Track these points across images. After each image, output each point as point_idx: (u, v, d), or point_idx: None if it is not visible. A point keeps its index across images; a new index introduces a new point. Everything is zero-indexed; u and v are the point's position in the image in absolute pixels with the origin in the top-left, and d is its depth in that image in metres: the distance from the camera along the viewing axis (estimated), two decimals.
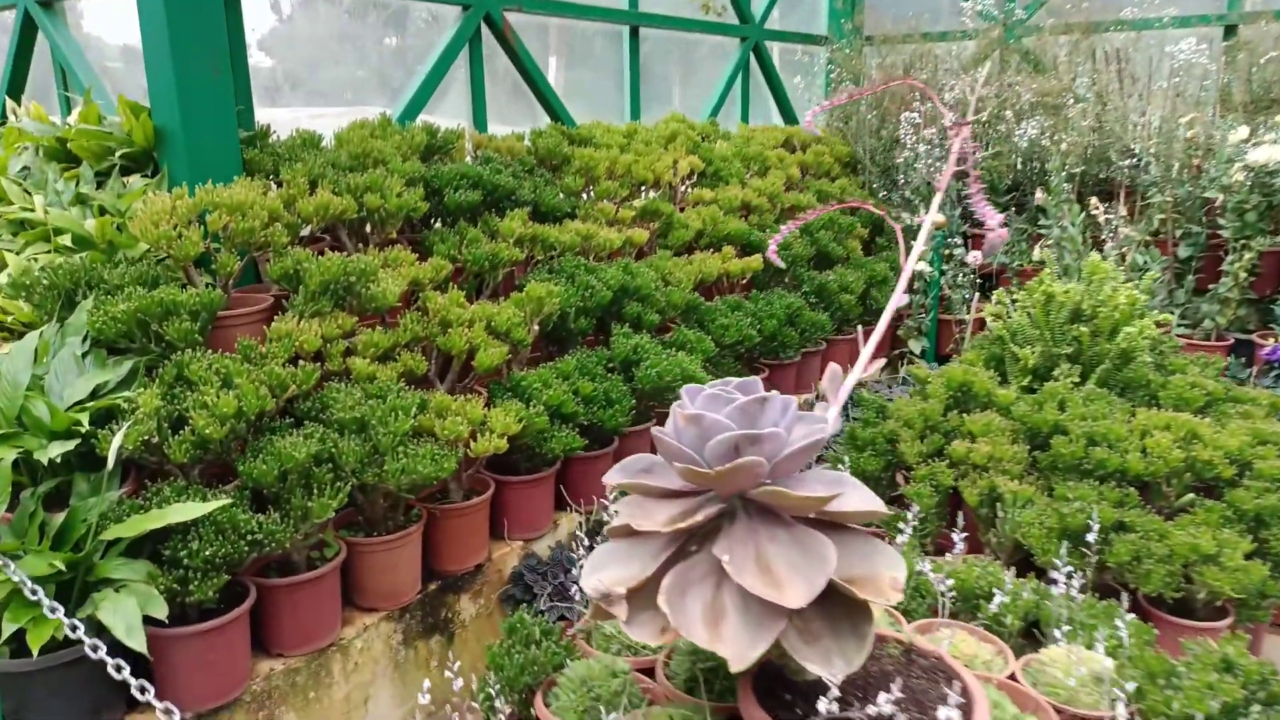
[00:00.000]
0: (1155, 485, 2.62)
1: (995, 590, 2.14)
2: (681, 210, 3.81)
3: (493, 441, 2.31)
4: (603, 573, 1.58)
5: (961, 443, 2.84)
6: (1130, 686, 1.77)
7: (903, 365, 4.51)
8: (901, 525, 2.40)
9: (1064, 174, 4.35)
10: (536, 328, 2.70)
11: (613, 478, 1.64)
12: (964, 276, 4.58)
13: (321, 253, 2.40)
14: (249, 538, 1.82)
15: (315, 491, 1.95)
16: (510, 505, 2.57)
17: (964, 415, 2.99)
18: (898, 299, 1.83)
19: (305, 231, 2.58)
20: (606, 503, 2.78)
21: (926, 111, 4.62)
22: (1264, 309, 4.15)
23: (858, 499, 1.51)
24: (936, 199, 1.84)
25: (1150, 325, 2.97)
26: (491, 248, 2.79)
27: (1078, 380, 2.98)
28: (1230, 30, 4.68)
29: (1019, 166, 4.77)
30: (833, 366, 1.76)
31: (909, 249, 4.59)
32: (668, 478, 1.62)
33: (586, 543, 2.34)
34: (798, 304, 3.61)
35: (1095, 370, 2.99)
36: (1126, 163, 4.28)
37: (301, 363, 2.16)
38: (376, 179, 2.60)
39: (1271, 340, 3.89)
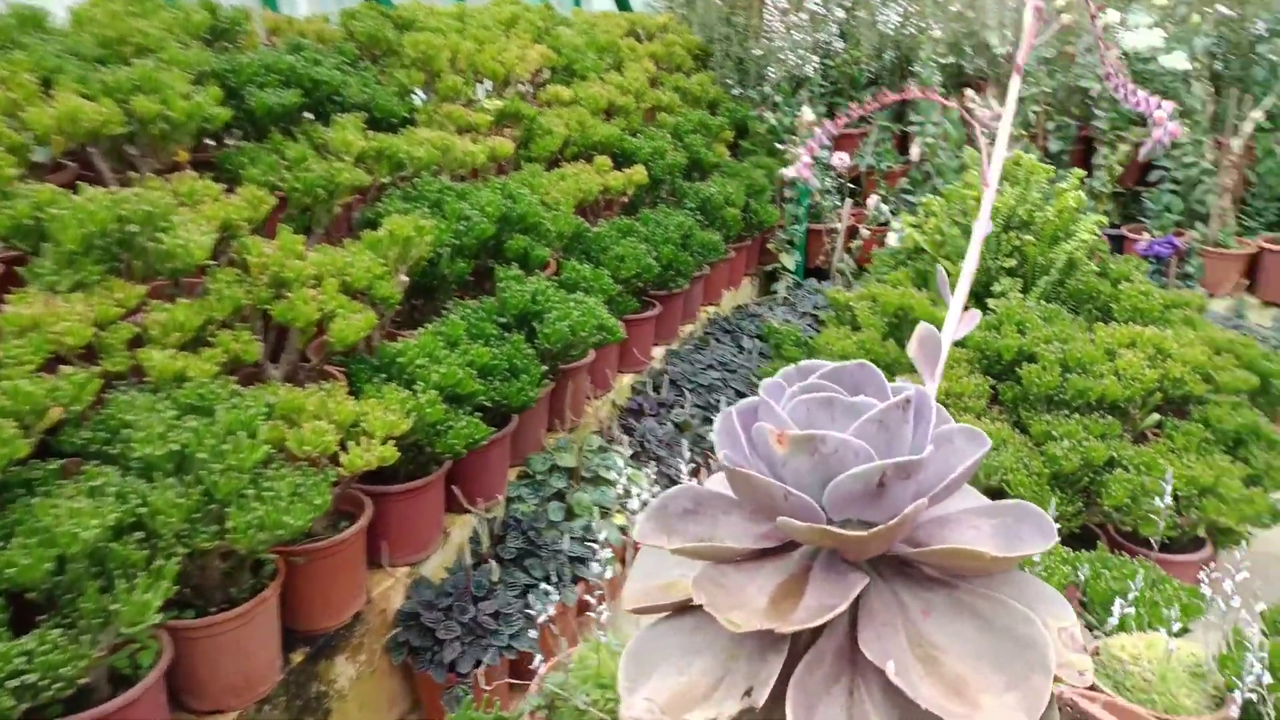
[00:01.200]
0: (1124, 409, 2.37)
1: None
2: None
3: (374, 451, 1.63)
4: (656, 683, 1.01)
5: (913, 378, 2.45)
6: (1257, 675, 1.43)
7: (777, 283, 4.11)
8: None
9: (934, 65, 4.04)
10: (405, 278, 1.98)
11: (651, 534, 1.04)
12: (832, 181, 4.21)
13: (73, 189, 1.56)
14: (5, 685, 1.08)
15: (121, 580, 1.21)
16: (391, 523, 1.90)
17: (904, 346, 2.61)
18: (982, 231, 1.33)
19: (41, 157, 1.70)
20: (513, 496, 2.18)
21: None
22: (1127, 202, 4.09)
23: (1036, 533, 1.01)
24: (1014, 83, 1.35)
25: (1093, 228, 2.69)
26: (326, 169, 2.01)
27: (1020, 295, 2.68)
28: None
29: (881, 57, 4.41)
30: (924, 327, 1.26)
31: (776, 152, 4.15)
32: (739, 525, 1.06)
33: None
34: (689, 223, 3.07)
35: (1038, 283, 2.69)
36: (1000, 51, 4.02)
37: (65, 368, 1.37)
38: (148, 74, 1.74)
39: (1145, 235, 3.82)
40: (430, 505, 1.96)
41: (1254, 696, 1.32)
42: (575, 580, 2.12)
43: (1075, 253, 2.65)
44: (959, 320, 1.35)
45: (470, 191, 2.31)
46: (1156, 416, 2.43)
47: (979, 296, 2.76)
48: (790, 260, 4.07)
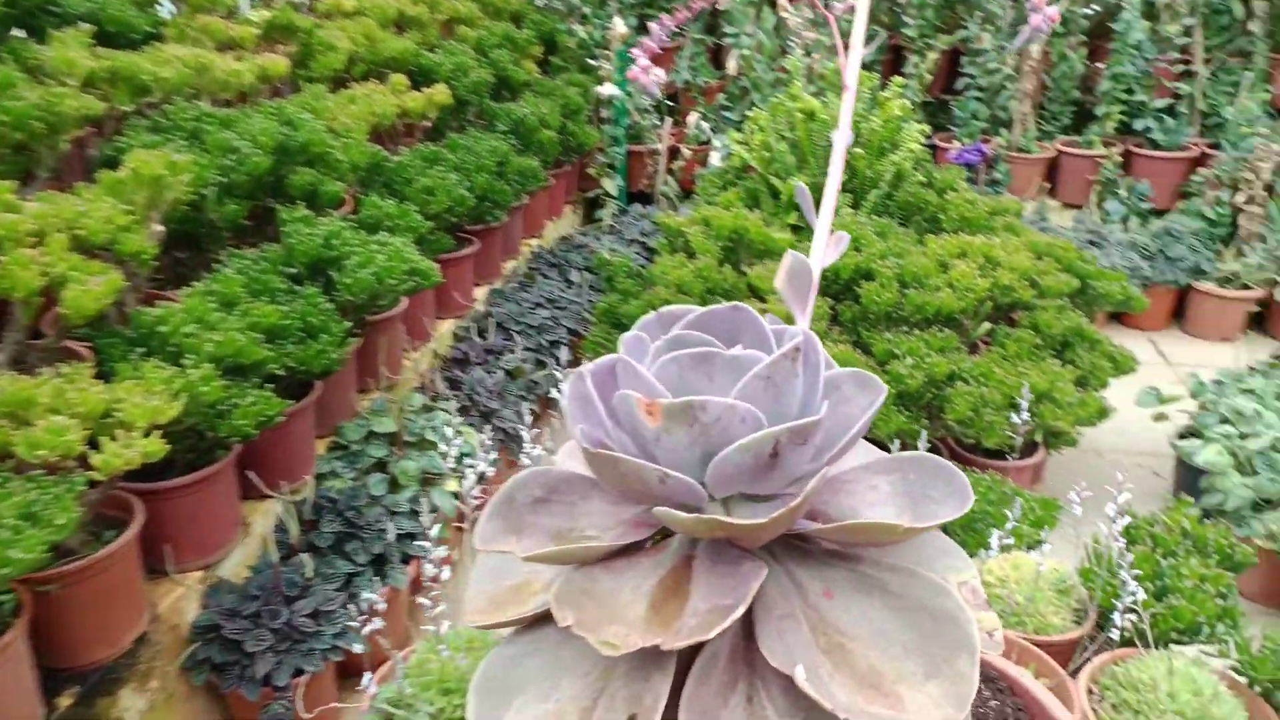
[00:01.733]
0: (958, 321, 2.36)
1: None
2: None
3: (135, 447, 1.31)
4: (520, 713, 0.81)
5: (752, 304, 2.33)
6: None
7: (601, 210, 3.90)
8: None
9: None
10: (159, 228, 1.62)
11: (496, 536, 0.83)
12: (649, 100, 4.01)
13: None
14: None
15: None
16: (173, 523, 1.58)
17: (742, 270, 2.49)
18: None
19: None
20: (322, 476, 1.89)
21: None
22: (935, 111, 4.14)
23: (947, 492, 0.87)
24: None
25: (917, 138, 2.64)
26: (43, 96, 1.60)
27: (851, 210, 2.61)
28: None
29: None
30: (793, 256, 1.08)
31: (588, 69, 3.89)
32: (603, 512, 0.87)
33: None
34: (504, 149, 2.78)
35: (868, 197, 2.63)
36: None
37: None
38: None
39: (955, 143, 3.88)
40: (221, 497, 1.65)
41: (1123, 612, 1.29)
42: (406, 560, 1.88)
43: (902, 164, 2.60)
44: (827, 244, 1.20)
45: (238, 119, 1.93)
46: (988, 325, 2.44)
47: None
48: (612, 185, 3.86)
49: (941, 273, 2.33)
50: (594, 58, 3.90)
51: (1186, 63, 3.80)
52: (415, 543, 1.88)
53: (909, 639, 0.76)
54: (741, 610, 0.72)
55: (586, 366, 0.87)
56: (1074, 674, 1.31)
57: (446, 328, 2.67)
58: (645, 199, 4.07)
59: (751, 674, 0.79)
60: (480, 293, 2.89)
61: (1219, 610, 1.32)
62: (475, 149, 2.65)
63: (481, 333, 2.67)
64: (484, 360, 2.54)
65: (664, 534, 0.86)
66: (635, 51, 1.36)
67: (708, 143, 3.97)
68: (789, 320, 0.91)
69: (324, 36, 2.55)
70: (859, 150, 2.58)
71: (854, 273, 2.34)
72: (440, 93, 2.70)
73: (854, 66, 1.28)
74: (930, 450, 2.24)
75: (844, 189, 2.64)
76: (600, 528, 0.88)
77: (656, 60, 4.05)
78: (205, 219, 1.77)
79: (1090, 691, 1.28)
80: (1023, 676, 1.00)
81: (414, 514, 1.94)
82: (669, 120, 3.97)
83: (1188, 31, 3.73)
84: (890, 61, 4.09)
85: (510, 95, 3.31)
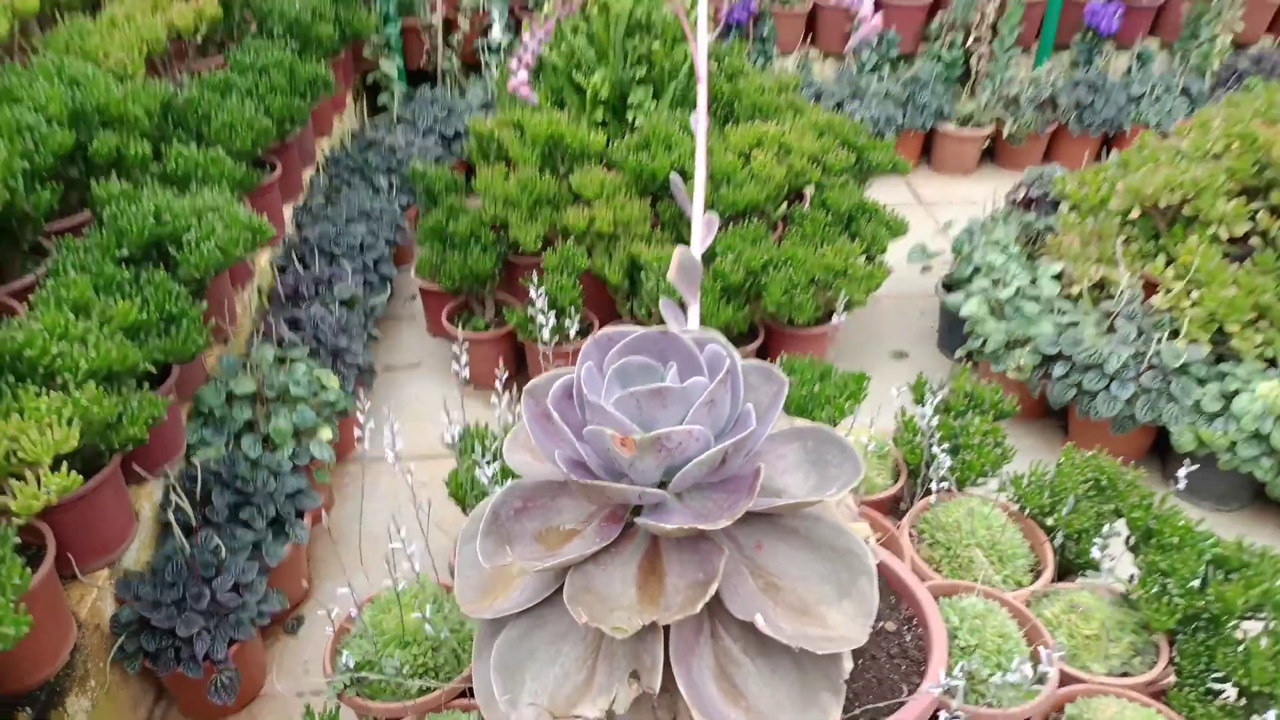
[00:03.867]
0: (761, 208, 2.61)
1: None
2: None
3: (52, 483, 1.31)
4: (533, 685, 1.02)
5: (577, 211, 2.46)
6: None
7: (383, 95, 3.74)
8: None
9: None
10: None
11: (493, 551, 1.00)
12: None
13: None
14: None
15: None
16: (74, 530, 1.58)
17: (562, 177, 2.58)
18: None
19: None
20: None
21: None
22: None
23: (842, 457, 1.12)
24: None
25: (707, 18, 2.76)
26: None
27: (654, 102, 2.73)
28: None
29: None
30: (682, 251, 1.22)
31: None
32: (575, 511, 1.05)
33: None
34: (289, 60, 2.62)
35: (667, 89, 2.76)
36: None
37: None
38: None
39: (725, 3, 4.01)
40: (113, 495, 1.65)
41: (931, 467, 1.66)
42: (300, 515, 1.96)
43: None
44: (703, 227, 1.37)
45: (15, 88, 1.74)
46: (784, 207, 2.72)
47: (617, 111, 2.77)
48: (391, 66, 3.70)
49: (744, 166, 2.56)
50: None
51: None
52: (306, 496, 1.96)
53: (823, 571, 1.03)
54: (715, 586, 0.96)
55: (549, 395, 1.03)
56: (899, 522, 1.69)
57: (264, 259, 2.60)
58: (426, 77, 3.94)
59: (713, 617, 1.04)
60: (286, 212, 2.80)
61: (997, 457, 1.73)
62: (263, 65, 2.49)
63: (303, 261, 2.61)
64: (316, 292, 2.51)
65: (629, 521, 1.06)
66: (512, 65, 1.40)
67: (482, 12, 3.85)
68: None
69: None
70: (655, 43, 2.67)
71: (668, 173, 2.50)
72: (208, 3, 2.48)
73: (703, 48, 1.40)
74: (751, 330, 2.54)
75: (643, 81, 2.75)
76: (574, 521, 1.08)
77: None
78: (19, 211, 1.63)
79: (911, 536, 1.66)
80: (897, 568, 1.32)
81: (296, 470, 2.00)
82: None
83: None
84: None
85: None
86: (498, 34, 3.79)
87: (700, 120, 1.35)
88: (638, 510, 1.01)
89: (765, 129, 2.63)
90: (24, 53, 2.03)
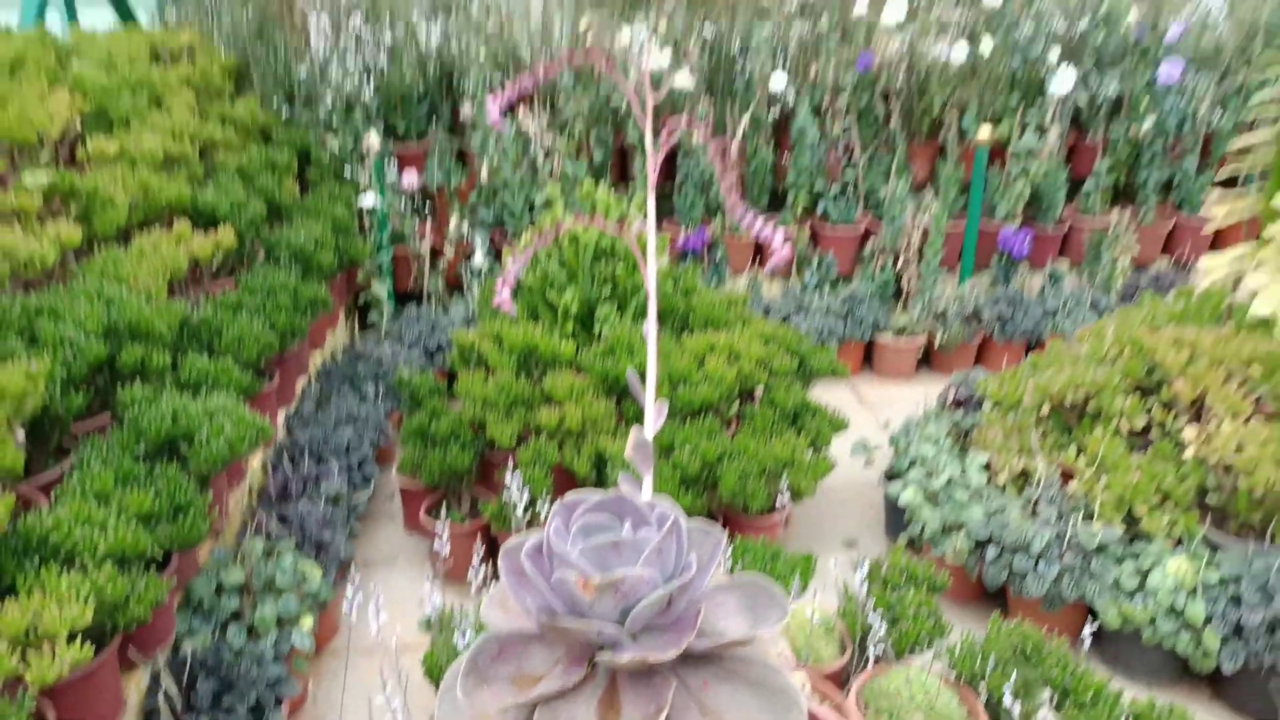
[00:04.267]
0: (715, 406, 2.88)
1: None
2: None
3: (65, 656, 1.44)
4: None
5: (549, 410, 2.71)
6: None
7: (373, 313, 4.09)
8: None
9: (484, 84, 4.26)
10: (22, 438, 1.70)
11: (473, 690, 1.15)
12: (405, 202, 4.26)
13: None
14: None
15: None
16: (69, 707, 1.67)
17: (536, 381, 2.86)
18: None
19: None
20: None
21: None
22: (658, 201, 4.75)
23: (770, 603, 1.31)
24: (650, 175, 1.60)
25: (663, 248, 3.16)
26: None
27: (619, 316, 3.07)
28: None
29: (429, 74, 4.50)
30: (635, 432, 1.45)
31: (343, 178, 4.07)
32: (545, 655, 1.21)
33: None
34: (293, 282, 2.94)
35: (630, 305, 3.10)
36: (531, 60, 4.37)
37: None
38: None
39: (682, 230, 4.50)
40: (109, 676, 1.75)
41: (873, 641, 1.82)
42: (279, 702, 2.04)
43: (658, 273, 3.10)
44: (653, 413, 1.62)
45: (58, 305, 2.00)
46: (737, 405, 2.99)
47: (585, 322, 3.10)
48: (382, 288, 4.07)
49: (698, 369, 2.85)
50: (348, 166, 4.09)
51: (849, 154, 4.70)
52: (286, 684, 2.05)
53: (760, 705, 1.19)
54: (665, 714, 1.12)
55: (522, 551, 1.22)
56: (847, 692, 1.82)
57: (256, 460, 2.79)
58: (413, 297, 4.31)
59: None
60: (280, 417, 3.02)
61: (931, 627, 1.90)
62: (270, 289, 2.80)
63: (294, 460, 2.81)
64: (304, 489, 2.69)
65: (591, 662, 1.23)
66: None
67: (466, 241, 4.29)
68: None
69: (103, 192, 2.59)
70: (619, 265, 3.05)
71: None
72: (226, 236, 2.82)
73: (652, 271, 1.70)
74: (709, 516, 2.74)
75: (608, 298, 3.10)
76: (544, 666, 1.24)
77: (406, 163, 4.32)
78: (53, 415, 1.84)
79: (857, 703, 1.79)
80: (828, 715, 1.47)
81: (277, 658, 2.10)
82: (428, 221, 4.24)
83: (847, 130, 4.63)
84: (619, 161, 4.65)
85: (279, 218, 3.44)
86: (480, 260, 4.21)
87: (650, 327, 1.62)
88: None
89: (717, 338, 2.96)
90: (66, 277, 2.31)
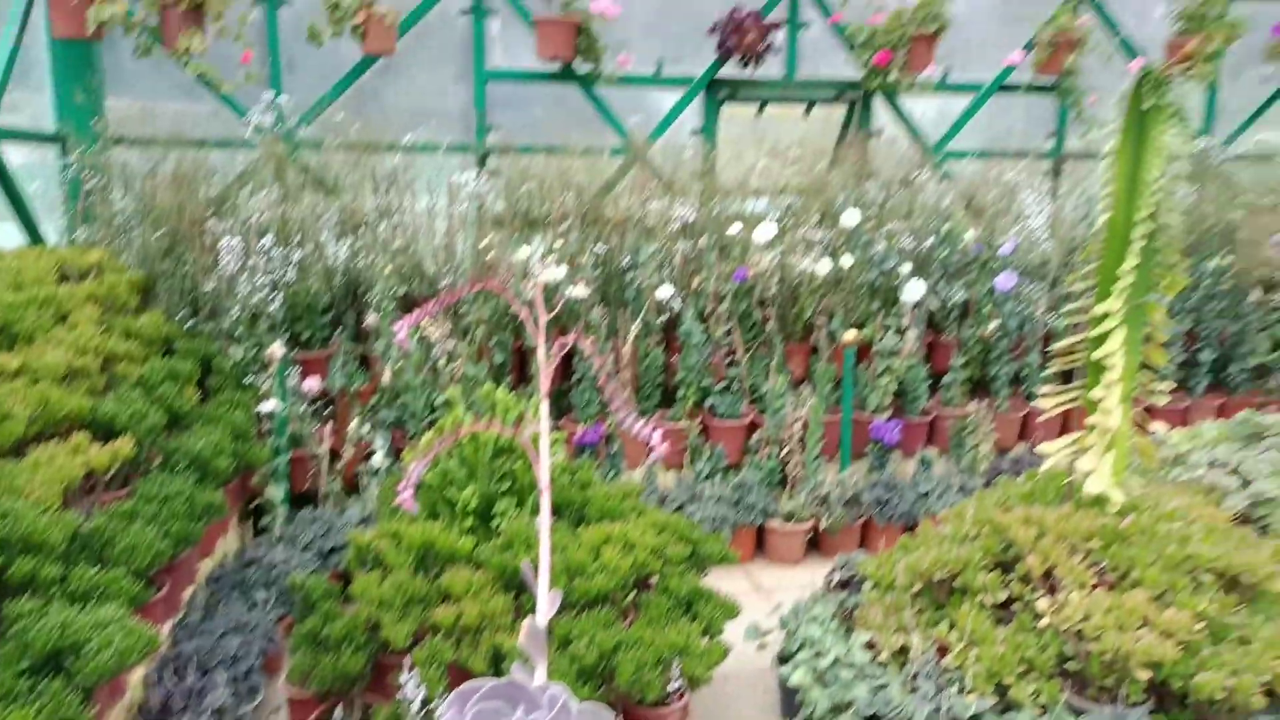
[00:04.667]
0: (610, 597, 2.97)
1: None
2: None
3: None
4: None
5: (446, 608, 2.75)
6: None
7: (267, 517, 4.07)
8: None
9: (389, 295, 4.51)
10: None
11: None
12: (306, 406, 4.36)
13: None
14: None
15: None
16: None
17: (433, 578, 2.90)
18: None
19: None
20: None
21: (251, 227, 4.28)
22: (556, 399, 4.98)
23: None
24: (544, 409, 1.79)
25: (560, 448, 3.33)
26: None
27: (517, 509, 3.18)
28: (482, 159, 5.46)
29: (335, 286, 4.74)
30: (528, 623, 1.56)
31: (244, 386, 4.16)
32: None
33: None
34: (188, 489, 2.97)
35: (528, 500, 3.22)
36: (447, 282, 4.66)
37: None
38: None
39: (579, 426, 4.71)
40: None
41: None
42: None
43: (552, 469, 3.25)
44: (546, 601, 1.73)
45: None
46: (632, 594, 3.09)
47: (484, 517, 3.19)
48: (278, 491, 4.07)
49: (594, 560, 2.96)
50: (250, 373, 4.20)
51: (732, 354, 5.07)
52: None
53: None
54: None
55: None
56: None
57: (136, 675, 2.70)
58: (307, 500, 4.31)
59: None
60: (165, 628, 2.94)
61: None
62: (165, 495, 2.82)
63: (177, 673, 2.73)
64: (186, 705, 2.61)
65: None
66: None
67: (366, 442, 4.38)
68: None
69: (2, 406, 2.63)
70: (518, 462, 3.19)
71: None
72: (124, 447, 2.86)
73: (545, 470, 1.87)
74: (609, 706, 2.76)
75: (507, 493, 3.22)
76: None
77: (309, 369, 4.45)
78: None
79: None
80: None
81: None
82: (330, 424, 4.33)
83: (729, 333, 5.03)
84: (518, 362, 4.90)
85: (180, 425, 3.49)
86: (379, 460, 4.29)
87: (544, 517, 1.77)
88: None
89: (613, 529, 3.09)
90: None
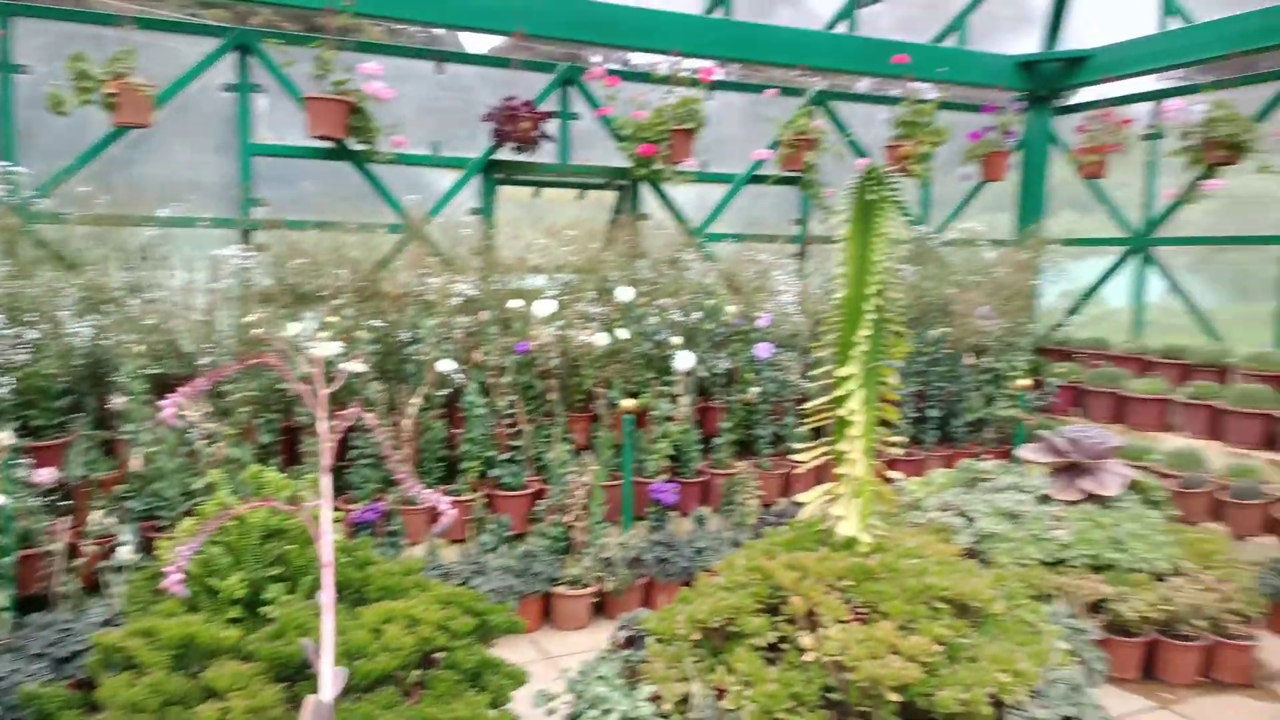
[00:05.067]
0: (394, 676, 2.88)
1: None
2: None
3: None
4: None
5: (211, 706, 2.56)
6: None
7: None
8: None
9: (139, 375, 4.20)
10: None
11: None
12: (38, 500, 3.93)
13: None
14: None
15: None
16: None
17: (195, 676, 2.69)
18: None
19: None
20: None
21: None
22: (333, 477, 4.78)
23: None
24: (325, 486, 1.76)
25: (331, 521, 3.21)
26: None
27: (289, 596, 3.02)
28: (247, 234, 5.25)
29: (75, 367, 4.34)
30: (311, 700, 1.49)
31: (3, 477, 3.69)
32: None
33: None
34: None
35: (302, 583, 3.08)
36: (207, 360, 4.40)
37: None
38: None
39: (356, 505, 4.55)
40: None
41: None
42: None
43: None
44: (331, 677, 1.69)
45: None
46: (420, 672, 3.01)
47: (251, 605, 3.01)
48: (3, 596, 3.61)
49: (376, 639, 2.87)
50: None
51: (515, 425, 5.13)
52: None
53: None
54: None
55: None
56: None
57: None
58: (38, 603, 3.85)
59: None
60: None
61: None
62: None
63: None
64: None
65: None
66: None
67: (109, 536, 3.99)
68: None
69: None
70: (289, 545, 3.05)
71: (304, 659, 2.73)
72: None
73: (328, 545, 1.84)
74: None
75: (278, 579, 3.06)
76: None
77: (43, 460, 4.05)
78: None
79: None
80: None
81: None
82: (69, 519, 3.91)
83: (512, 404, 5.10)
84: (287, 441, 4.69)
85: None
86: (126, 555, 3.92)
87: (327, 592, 1.73)
88: None
89: (395, 606, 3.01)
90: None
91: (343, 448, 4.78)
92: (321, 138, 5.17)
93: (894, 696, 2.75)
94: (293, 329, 4.59)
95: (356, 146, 5.35)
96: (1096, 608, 4.16)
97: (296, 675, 2.76)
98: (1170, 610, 4.07)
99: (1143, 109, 6.68)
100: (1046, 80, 7.02)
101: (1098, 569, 4.27)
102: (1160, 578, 4.24)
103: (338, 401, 4.64)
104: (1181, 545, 4.43)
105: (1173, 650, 4.10)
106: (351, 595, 3.17)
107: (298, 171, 5.45)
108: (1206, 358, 5.92)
